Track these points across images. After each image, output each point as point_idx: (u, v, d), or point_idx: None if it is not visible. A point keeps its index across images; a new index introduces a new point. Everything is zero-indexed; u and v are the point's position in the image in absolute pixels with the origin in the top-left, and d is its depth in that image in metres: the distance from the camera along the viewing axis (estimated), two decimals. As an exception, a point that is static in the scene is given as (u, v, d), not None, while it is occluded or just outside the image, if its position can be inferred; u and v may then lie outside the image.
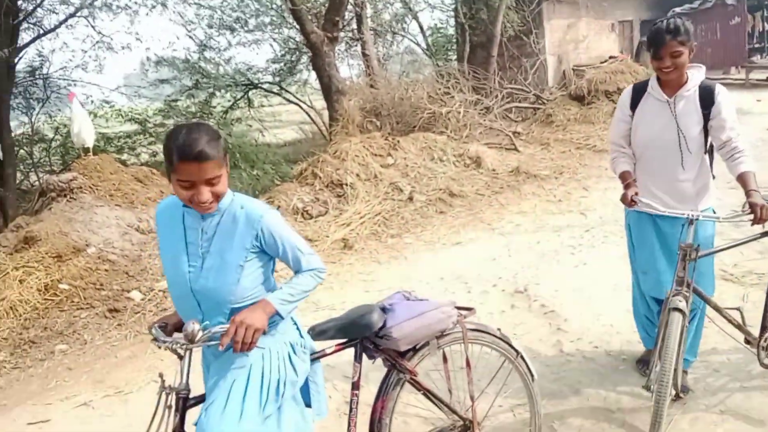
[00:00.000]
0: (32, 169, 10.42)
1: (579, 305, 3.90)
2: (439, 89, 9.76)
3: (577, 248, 5.03)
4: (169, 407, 1.68)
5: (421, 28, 15.86)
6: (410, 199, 6.58)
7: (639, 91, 2.73)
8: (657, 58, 2.51)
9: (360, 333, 2.02)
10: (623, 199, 2.57)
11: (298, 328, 1.94)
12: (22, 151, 10.12)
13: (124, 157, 10.70)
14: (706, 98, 2.57)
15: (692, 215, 2.43)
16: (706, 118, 2.57)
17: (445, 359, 2.21)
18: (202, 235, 1.76)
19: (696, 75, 2.62)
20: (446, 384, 2.21)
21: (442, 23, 17.51)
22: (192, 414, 1.78)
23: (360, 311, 2.07)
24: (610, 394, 2.93)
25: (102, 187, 5.99)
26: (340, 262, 5.41)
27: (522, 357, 2.28)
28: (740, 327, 2.64)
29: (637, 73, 11.29)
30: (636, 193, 2.54)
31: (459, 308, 2.22)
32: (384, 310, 2.08)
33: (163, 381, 1.72)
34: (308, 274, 1.81)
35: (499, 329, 2.30)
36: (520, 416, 2.78)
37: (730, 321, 2.62)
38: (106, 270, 5.07)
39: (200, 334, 1.66)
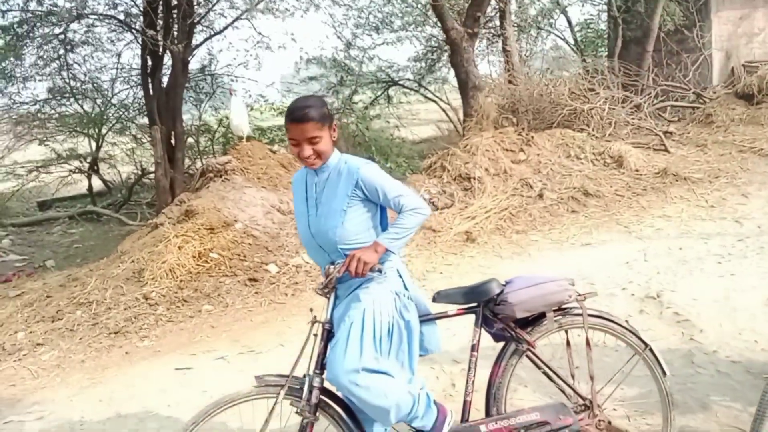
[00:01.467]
0: (198, 156, 11.77)
1: (719, 317, 3.53)
2: (583, 85, 9.27)
3: (726, 257, 4.53)
4: (315, 335, 2.03)
5: (569, 23, 15.16)
6: (540, 196, 6.37)
7: None
8: None
9: (479, 298, 2.17)
10: None
11: (403, 282, 2.15)
12: (190, 139, 11.45)
13: (275, 147, 11.66)
14: None
15: None
16: None
17: (568, 344, 2.25)
18: (316, 188, 2.12)
19: None
20: (569, 368, 2.24)
21: (592, 17, 16.58)
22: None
23: (481, 281, 2.22)
24: (743, 413, 2.63)
25: (252, 170, 6.61)
26: (461, 254, 5.43)
27: (651, 350, 2.21)
28: None
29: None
30: None
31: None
32: (505, 284, 2.21)
33: (313, 315, 2.06)
34: (409, 213, 2.03)
35: (626, 320, 2.25)
36: (642, 411, 2.62)
37: None
38: (249, 244, 5.60)
39: (334, 270, 2.02)
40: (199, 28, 10.06)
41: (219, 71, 11.82)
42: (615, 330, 2.22)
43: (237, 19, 10.07)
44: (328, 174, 2.10)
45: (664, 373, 2.21)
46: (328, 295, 2.07)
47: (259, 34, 11.24)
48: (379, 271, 2.02)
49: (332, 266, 2.04)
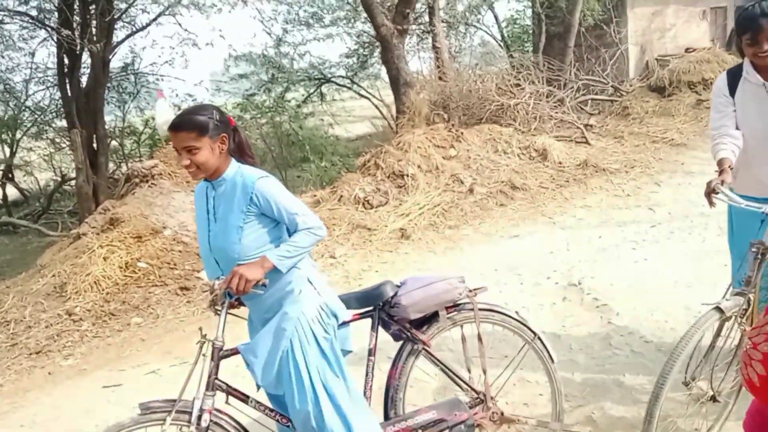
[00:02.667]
0: (123, 160, 11.29)
1: (633, 300, 3.77)
2: (510, 81, 9.58)
3: (640, 244, 4.84)
4: (204, 355, 1.95)
5: (496, 18, 15.60)
6: (471, 191, 6.55)
7: (734, 75, 2.62)
8: (753, 43, 2.40)
9: (374, 302, 2.21)
10: (705, 188, 2.39)
11: (316, 290, 2.11)
12: (114, 142, 10.97)
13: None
14: None
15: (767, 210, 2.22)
16: None
17: (463, 339, 2.31)
18: (214, 202, 2.06)
19: None
20: (465, 363, 2.30)
21: (518, 14, 17.13)
22: (225, 363, 2.04)
23: (375, 285, 2.26)
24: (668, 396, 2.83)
25: (180, 174, 6.41)
26: (396, 251, 5.51)
27: (540, 339, 2.32)
28: None
29: (725, 63, 10.54)
30: (722, 182, 2.36)
31: (473, 289, 2.31)
32: (399, 286, 2.26)
33: (203, 334, 1.99)
34: (305, 232, 1.98)
35: (516, 312, 2.35)
36: (537, 397, 2.78)
37: None
38: (179, 251, 5.45)
39: (218, 287, 1.95)
40: (119, 24, 9.65)
41: (143, 70, 11.39)
42: (505, 322, 2.32)
43: (160, 15, 9.75)
44: (224, 187, 2.03)
45: (552, 360, 2.32)
46: (218, 312, 1.99)
47: (185, 30, 10.90)
48: (264, 286, 1.95)
49: (217, 281, 1.96)
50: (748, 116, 2.57)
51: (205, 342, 1.96)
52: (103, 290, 4.86)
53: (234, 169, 2.04)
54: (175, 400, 1.92)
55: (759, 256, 2.22)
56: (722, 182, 2.36)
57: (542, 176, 6.99)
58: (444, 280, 2.23)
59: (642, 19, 14.25)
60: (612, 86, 11.44)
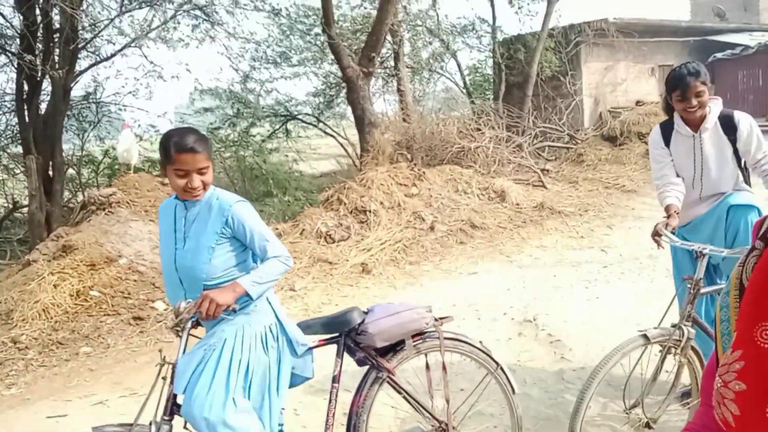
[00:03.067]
0: (80, 189, 11.01)
1: (586, 336, 3.89)
2: (470, 125, 9.93)
3: (592, 283, 5.02)
4: (164, 378, 1.91)
5: (459, 66, 16.19)
6: (431, 228, 6.68)
7: (667, 129, 2.88)
8: (683, 99, 2.66)
9: (340, 328, 2.20)
10: (652, 230, 2.62)
11: (276, 315, 2.11)
12: (71, 170, 10.71)
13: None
14: (728, 125, 2.74)
15: (700, 249, 2.41)
16: (733, 143, 2.74)
17: (427, 367, 2.31)
18: (186, 222, 2.05)
19: (714, 107, 2.76)
20: (428, 389, 2.30)
21: (480, 63, 17.84)
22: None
23: (343, 311, 2.25)
24: (606, 422, 2.92)
25: (138, 202, 6.32)
26: (357, 285, 5.53)
27: (502, 369, 2.35)
28: None
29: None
30: (667, 225, 2.59)
31: (438, 318, 2.33)
32: (366, 312, 2.26)
33: (162, 356, 1.95)
34: (275, 260, 1.99)
35: (480, 341, 2.38)
36: (492, 429, 2.81)
37: None
38: (134, 280, 5.33)
39: (184, 308, 1.89)
40: (83, 53, 9.58)
41: (105, 99, 11.25)
42: (469, 351, 2.34)
43: (126, 47, 9.72)
44: (198, 208, 2.03)
45: (513, 390, 2.36)
46: (180, 334, 1.95)
47: (151, 63, 10.88)
48: (234, 311, 1.94)
49: (184, 303, 1.91)
50: (682, 164, 2.84)
51: (164, 364, 1.92)
52: (51, 318, 4.68)
53: (210, 190, 2.06)
54: (131, 425, 1.88)
55: (692, 290, 2.41)
56: (666, 225, 2.59)
57: (500, 216, 7.20)
58: (412, 309, 2.24)
59: (595, 73, 15.08)
60: (567, 134, 11.98)
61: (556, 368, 3.55)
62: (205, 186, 2.00)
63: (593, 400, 2.97)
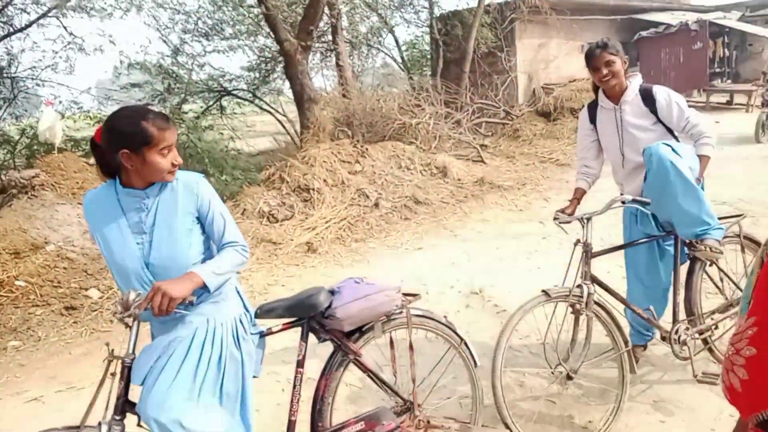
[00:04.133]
0: (-4, 170, 10.22)
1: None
2: (410, 101, 9.94)
3: (533, 254, 5.19)
4: (113, 375, 1.75)
5: (396, 42, 16.11)
6: (376, 205, 6.67)
7: (593, 106, 3.06)
8: (595, 69, 2.82)
9: (306, 312, 2.08)
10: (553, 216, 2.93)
11: (245, 305, 1.99)
12: (-15, 151, 9.92)
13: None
14: (647, 98, 2.87)
15: (582, 216, 2.68)
16: (655, 114, 2.87)
17: (392, 344, 2.28)
18: (146, 212, 1.82)
19: (634, 81, 2.91)
20: (391, 368, 2.29)
21: (417, 39, 17.81)
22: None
23: (308, 292, 2.13)
24: (553, 385, 3.04)
25: (65, 185, 5.93)
26: (303, 265, 5.46)
27: (465, 344, 2.38)
28: (650, 322, 2.80)
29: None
30: (562, 211, 2.90)
31: (406, 294, 2.30)
32: (332, 292, 2.15)
33: (110, 350, 1.78)
34: (233, 249, 1.86)
35: (445, 316, 2.40)
36: (464, 404, 2.87)
37: (643, 318, 2.79)
38: (64, 268, 5.02)
39: (134, 300, 1.71)
40: (-7, 24, 8.82)
41: (21, 74, 10.43)
42: (435, 327, 2.35)
43: (43, 16, 9.05)
44: (158, 195, 1.83)
45: (475, 364, 2.42)
46: (129, 325, 1.76)
47: (70, 34, 10.11)
48: (191, 303, 1.77)
49: (133, 294, 1.71)
50: (607, 138, 3.01)
51: (113, 359, 1.76)
52: (-27, 312, 4.34)
53: None
54: (77, 427, 1.74)
55: (584, 252, 2.67)
56: (563, 211, 2.91)
57: (443, 192, 7.28)
58: (382, 291, 2.16)
59: (529, 50, 15.43)
60: (504, 110, 12.22)
61: (503, 338, 3.65)
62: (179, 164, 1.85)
63: (520, 367, 3.15)
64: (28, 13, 9.17)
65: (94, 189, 1.93)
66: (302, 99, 9.58)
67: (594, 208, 2.72)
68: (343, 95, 10.07)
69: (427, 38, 16.28)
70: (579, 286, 2.59)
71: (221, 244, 1.87)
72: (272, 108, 13.60)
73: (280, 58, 10.95)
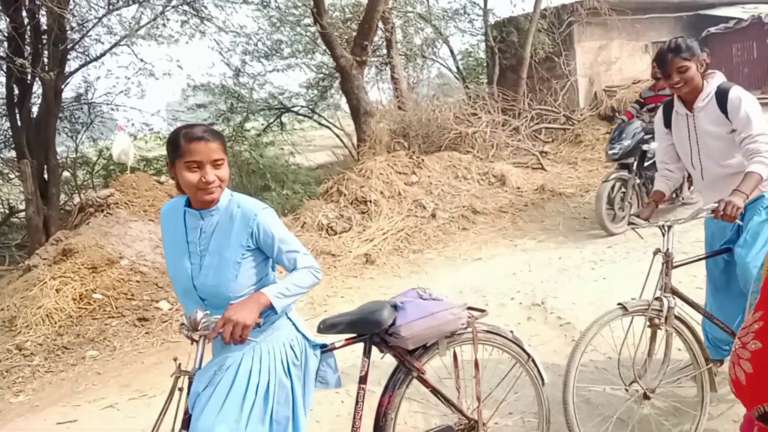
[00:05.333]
0: (76, 191, 10.93)
1: (595, 317, 3.85)
2: (466, 110, 9.86)
3: (598, 263, 4.99)
4: (181, 389, 1.77)
5: (451, 52, 16.06)
6: (433, 216, 6.64)
7: (668, 109, 2.83)
8: (666, 77, 2.62)
9: (369, 329, 2.05)
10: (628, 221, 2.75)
11: (299, 330, 1.94)
12: (66, 173, 10.63)
13: (163, 178, 11.15)
14: (722, 101, 2.60)
15: (663, 223, 2.50)
16: (730, 120, 2.60)
17: (455, 360, 2.23)
18: (201, 234, 1.82)
19: (712, 82, 2.65)
20: (455, 384, 2.24)
21: (472, 47, 17.71)
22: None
23: (371, 308, 2.09)
24: (621, 404, 2.89)
25: (137, 203, 6.27)
26: (361, 277, 5.50)
27: (533, 361, 2.30)
28: (732, 333, 2.62)
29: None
30: (638, 215, 2.68)
31: (471, 309, 2.24)
32: (395, 307, 2.10)
33: (178, 365, 1.80)
34: (305, 270, 1.81)
35: (512, 332, 2.32)
36: (528, 422, 2.78)
37: (727, 332, 2.61)
38: (137, 281, 5.29)
39: (202, 321, 1.72)
40: (73, 54, 9.47)
41: (97, 100, 11.14)
42: (502, 344, 2.27)
43: (115, 45, 9.62)
44: (217, 218, 1.81)
45: (543, 382, 2.32)
46: (196, 340, 1.75)
47: (141, 60, 10.74)
48: (259, 326, 1.74)
49: (201, 313, 1.72)
50: (682, 146, 2.80)
51: (181, 375, 1.78)
52: (55, 323, 4.64)
53: (227, 197, 1.85)
54: None
55: (664, 263, 2.50)
56: (638, 215, 2.70)
57: (501, 201, 7.16)
58: (447, 309, 2.09)
59: (589, 53, 14.98)
60: (564, 115, 11.91)
61: (567, 351, 3.48)
62: (221, 183, 1.78)
63: (592, 382, 2.99)
64: (102, 43, 9.86)
65: (172, 199, 1.99)
66: (359, 113, 9.70)
67: (675, 216, 2.58)
68: (399, 107, 10.13)
69: (483, 46, 16.13)
70: (658, 299, 2.43)
71: (294, 269, 1.83)
72: (330, 123, 13.88)
73: (337, 74, 11.16)
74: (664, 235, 2.50)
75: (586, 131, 10.61)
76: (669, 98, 2.85)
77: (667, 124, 2.83)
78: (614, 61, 15.25)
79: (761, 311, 0.93)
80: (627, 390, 2.52)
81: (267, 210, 1.84)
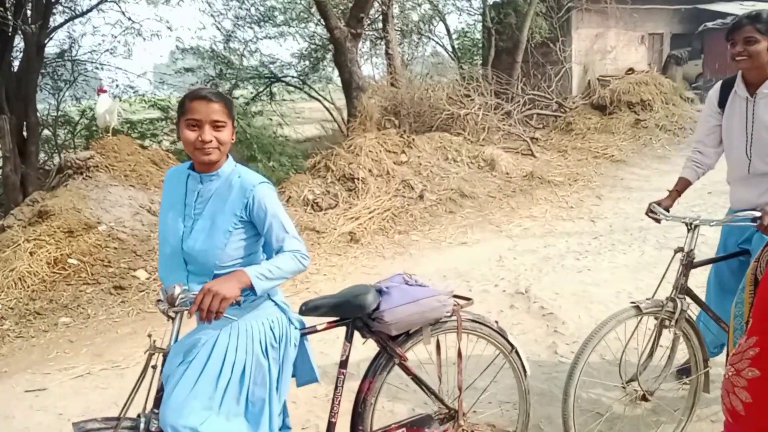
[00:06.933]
0: (56, 150, 10.65)
1: (578, 309, 3.85)
2: (460, 91, 9.73)
3: (583, 254, 4.98)
4: (154, 367, 1.70)
5: (448, 30, 15.85)
6: (420, 197, 6.57)
7: (727, 87, 2.56)
8: (732, 44, 2.36)
9: (353, 313, 2.00)
10: (647, 208, 2.53)
11: (283, 312, 1.89)
12: (47, 131, 10.34)
13: (146, 143, 10.90)
14: None
15: (692, 221, 2.34)
16: None
17: (438, 348, 2.18)
18: (198, 197, 1.81)
19: None
20: (437, 371, 2.19)
21: (469, 27, 17.48)
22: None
23: (355, 291, 2.04)
24: (600, 397, 2.88)
25: (118, 167, 6.09)
26: (345, 255, 5.43)
27: (516, 352, 2.25)
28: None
29: (662, 86, 11.12)
30: (659, 203, 2.49)
31: (457, 297, 2.19)
32: (380, 292, 2.05)
33: (153, 341, 1.72)
34: (290, 254, 1.75)
35: (496, 322, 2.28)
36: (507, 412, 2.76)
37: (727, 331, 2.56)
38: (115, 248, 5.15)
39: (180, 296, 1.65)
40: (58, 8, 9.13)
41: (81, 57, 10.80)
42: (487, 334, 2.23)
43: (103, 1, 9.29)
44: (216, 183, 1.81)
45: (525, 373, 2.28)
46: (172, 317, 1.69)
47: (129, 19, 10.39)
48: (238, 304, 1.69)
49: (179, 289, 1.64)
50: (732, 129, 2.53)
51: (155, 352, 1.69)
52: (28, 287, 4.51)
53: (231, 166, 1.83)
54: (117, 418, 1.69)
55: (684, 262, 2.35)
56: (659, 203, 2.50)
57: (490, 185, 7.10)
58: (433, 296, 2.05)
59: (585, 40, 14.88)
60: (556, 102, 11.83)
61: (549, 342, 3.51)
62: (220, 147, 1.76)
63: (589, 375, 2.96)
64: (90, -2, 9.47)
65: (177, 165, 1.97)
66: (350, 87, 9.53)
67: (703, 212, 2.43)
68: (392, 84, 9.96)
69: (479, 27, 15.93)
70: (672, 300, 2.31)
71: (280, 251, 1.77)
72: (321, 95, 13.65)
73: (330, 46, 10.93)
74: (689, 231, 2.34)
75: (578, 119, 10.55)
76: (731, 77, 2.55)
77: (722, 103, 2.56)
78: (610, 50, 15.17)
79: (755, 336, 0.89)
80: (624, 389, 2.45)
81: (266, 184, 1.81)
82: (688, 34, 16.24)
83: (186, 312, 1.66)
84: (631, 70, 13.25)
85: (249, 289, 1.67)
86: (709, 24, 15.20)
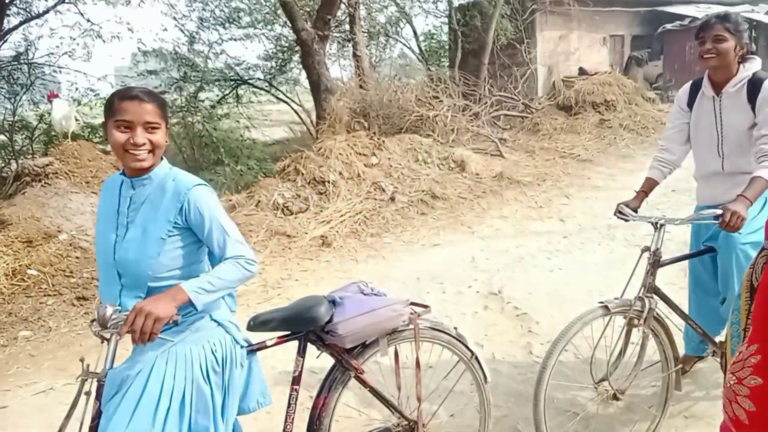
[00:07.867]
0: (13, 157, 10.24)
1: (551, 308, 3.88)
2: (428, 93, 9.76)
3: (553, 253, 5.03)
4: (88, 394, 1.59)
5: (414, 32, 15.89)
6: (392, 199, 6.54)
7: (695, 88, 2.61)
8: (701, 42, 2.41)
9: (305, 327, 1.92)
10: (615, 209, 2.56)
11: (228, 332, 1.77)
12: (3, 137, 9.95)
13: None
14: (753, 91, 2.39)
15: (657, 220, 2.37)
16: (755, 113, 2.40)
17: (396, 358, 2.12)
18: (130, 204, 1.71)
19: (749, 68, 2.43)
20: (396, 382, 2.14)
21: (436, 29, 17.58)
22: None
23: (307, 303, 1.96)
24: (576, 397, 2.90)
25: (78, 173, 5.89)
26: (317, 259, 5.36)
27: (477, 358, 2.21)
28: (705, 337, 2.62)
29: (625, 86, 11.38)
30: (627, 204, 2.53)
31: (414, 304, 2.14)
32: (334, 302, 1.98)
33: (85, 367, 1.61)
34: (232, 262, 1.63)
35: (455, 328, 2.23)
36: (468, 419, 2.74)
37: (699, 332, 2.61)
38: (77, 257, 4.97)
39: (112, 317, 1.54)
40: (13, 9, 8.79)
41: (38, 60, 10.43)
42: (446, 342, 2.18)
43: (60, 2, 8.99)
44: (148, 188, 1.70)
45: (485, 380, 2.24)
46: (107, 338, 1.57)
47: (87, 21, 10.07)
48: (176, 323, 1.57)
49: (110, 309, 1.53)
50: (700, 128, 2.59)
51: (88, 378, 1.59)
52: (-16, 301, 4.31)
53: (165, 169, 1.72)
54: None
55: (650, 261, 2.38)
56: (627, 204, 2.54)
57: (460, 187, 7.13)
58: (389, 306, 1.98)
59: (549, 42, 15.13)
60: (523, 103, 11.98)
61: (523, 342, 3.52)
62: (154, 150, 1.65)
63: (564, 375, 2.98)
64: (46, 0, 9.16)
65: (113, 174, 1.85)
66: (319, 89, 9.45)
67: (668, 211, 2.47)
68: (360, 86, 9.92)
69: (446, 29, 16.03)
70: (641, 299, 2.34)
71: (223, 259, 1.66)
72: (288, 98, 13.51)
73: (297, 48, 10.82)
74: (656, 230, 2.37)
75: (545, 120, 10.71)
76: (699, 78, 2.60)
77: (690, 103, 2.62)
78: (573, 51, 15.46)
79: (757, 344, 0.88)
80: (596, 389, 2.46)
81: (203, 186, 1.70)
82: (648, 36, 16.68)
83: (120, 330, 1.54)
84: (581, 70, 13.53)
85: (189, 305, 1.58)
86: (668, 25, 15.64)
